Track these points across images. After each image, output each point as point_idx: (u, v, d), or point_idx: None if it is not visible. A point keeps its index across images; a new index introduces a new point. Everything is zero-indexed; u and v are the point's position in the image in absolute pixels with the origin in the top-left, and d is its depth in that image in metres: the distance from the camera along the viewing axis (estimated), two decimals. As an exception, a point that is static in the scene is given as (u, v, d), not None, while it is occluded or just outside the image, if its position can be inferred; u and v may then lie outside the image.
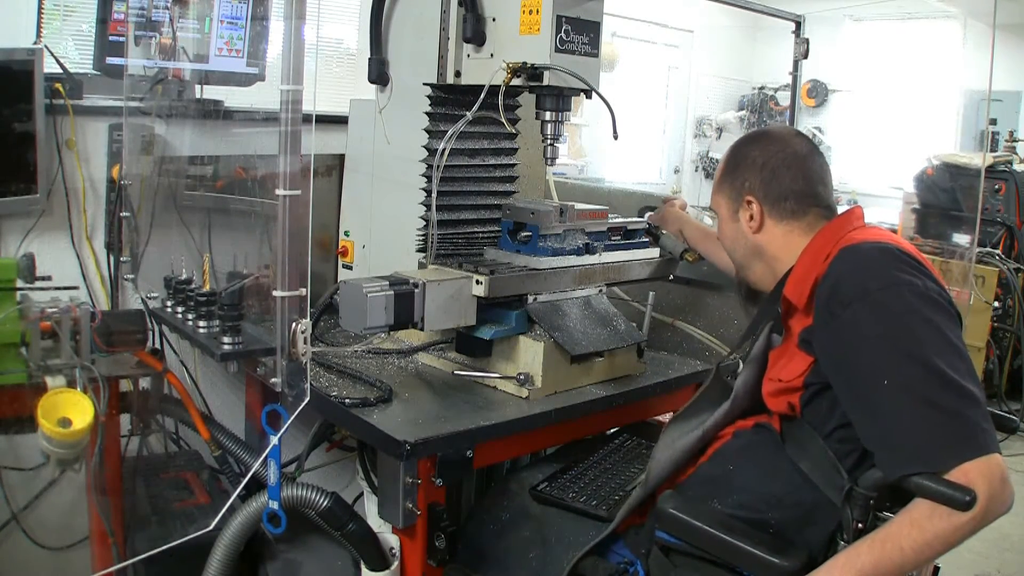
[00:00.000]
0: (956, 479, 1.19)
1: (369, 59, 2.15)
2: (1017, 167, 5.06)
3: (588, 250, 1.95)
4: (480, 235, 2.03)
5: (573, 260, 1.92)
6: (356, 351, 2.02)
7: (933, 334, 1.29)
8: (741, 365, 1.62)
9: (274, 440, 1.44)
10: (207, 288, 1.97)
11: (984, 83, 6.99)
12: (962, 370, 1.26)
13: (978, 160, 4.98)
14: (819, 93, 7.92)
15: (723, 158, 1.69)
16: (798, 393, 1.45)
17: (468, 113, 1.85)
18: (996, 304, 4.64)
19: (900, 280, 1.34)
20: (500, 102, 1.80)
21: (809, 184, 1.58)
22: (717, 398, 1.62)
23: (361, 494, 1.98)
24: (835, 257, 1.42)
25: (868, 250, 1.41)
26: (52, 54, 2.25)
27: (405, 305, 1.67)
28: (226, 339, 1.82)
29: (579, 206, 1.96)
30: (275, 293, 1.37)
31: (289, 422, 1.42)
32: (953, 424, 1.23)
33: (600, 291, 2.00)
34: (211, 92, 2.49)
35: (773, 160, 1.59)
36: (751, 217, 1.60)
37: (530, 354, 1.82)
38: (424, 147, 1.93)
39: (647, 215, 2.22)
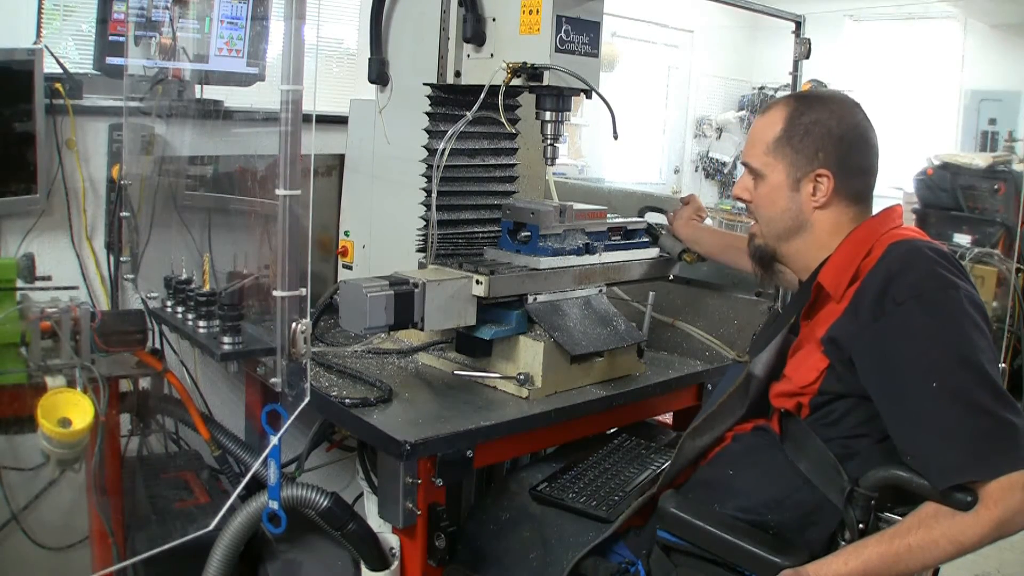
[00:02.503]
0: (1001, 487, 1.18)
1: (369, 59, 2.15)
2: (1016, 167, 5.06)
3: (588, 250, 1.95)
4: (480, 235, 2.03)
5: (573, 260, 1.92)
6: (356, 351, 2.02)
7: (985, 341, 1.27)
8: (747, 367, 1.58)
9: (274, 440, 1.44)
10: (207, 288, 1.97)
11: (983, 83, 7.01)
12: (1000, 380, 1.25)
13: (979, 160, 4.98)
14: (819, 93, 7.91)
15: (780, 116, 1.51)
16: (809, 396, 1.43)
17: (468, 113, 1.85)
18: (995, 304, 4.64)
19: (955, 283, 1.31)
20: (500, 102, 1.80)
21: (874, 164, 1.51)
22: (738, 404, 1.58)
23: (361, 494, 1.98)
24: (885, 253, 1.38)
25: (922, 249, 1.37)
26: (52, 54, 2.25)
27: (405, 305, 1.67)
28: (226, 339, 1.82)
29: (577, 206, 1.95)
30: (275, 293, 1.37)
31: (289, 422, 1.42)
32: (1004, 432, 1.22)
33: (600, 291, 2.00)
34: (211, 92, 2.49)
35: (849, 133, 1.48)
36: (814, 192, 1.49)
37: (530, 354, 1.81)
38: (424, 147, 1.93)
39: (667, 216, 2.14)
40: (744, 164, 1.58)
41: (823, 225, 1.51)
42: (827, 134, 1.48)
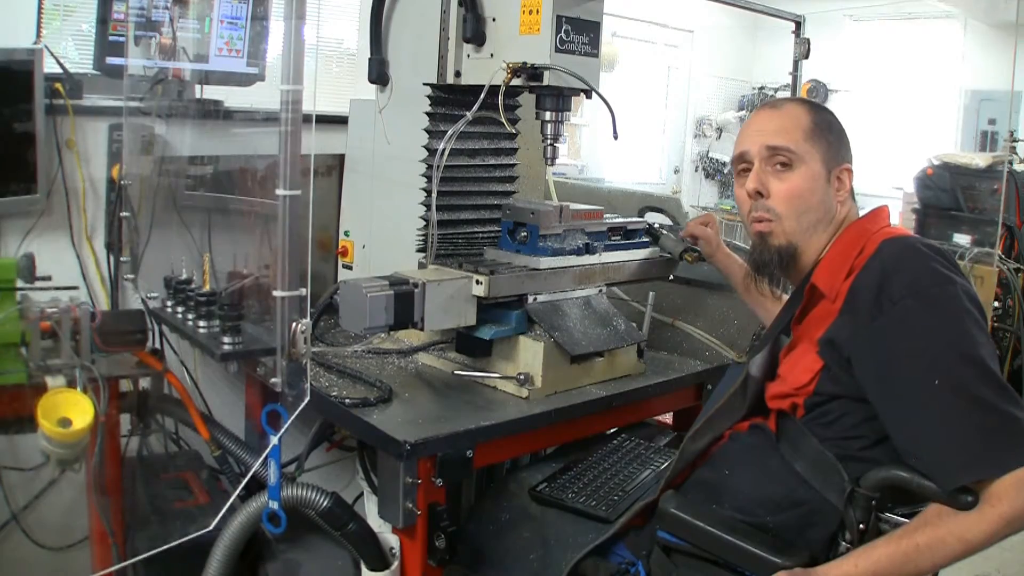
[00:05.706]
0: (1008, 484, 1.17)
1: (369, 59, 2.15)
2: (1017, 167, 5.06)
3: (588, 250, 1.95)
4: (480, 235, 2.03)
5: (573, 260, 1.92)
6: (356, 351, 2.02)
7: (984, 336, 1.27)
8: (746, 368, 1.59)
9: (274, 440, 1.44)
10: (207, 288, 1.97)
11: (983, 83, 7.01)
12: (1001, 374, 1.25)
13: (979, 160, 4.99)
14: (819, 93, 7.93)
15: (801, 110, 1.52)
16: (804, 397, 1.43)
17: (468, 113, 1.85)
18: (996, 304, 4.64)
19: (952, 279, 1.31)
20: (500, 102, 1.80)
21: None
22: (738, 405, 1.57)
23: (361, 494, 1.98)
24: (878, 250, 1.37)
25: (916, 245, 1.36)
26: (52, 54, 2.25)
27: (405, 305, 1.67)
28: (226, 339, 1.82)
29: (573, 206, 1.95)
30: (275, 293, 1.37)
31: (289, 422, 1.42)
32: (1009, 428, 1.21)
33: (600, 291, 2.00)
34: (211, 92, 2.49)
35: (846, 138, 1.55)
36: (839, 189, 1.52)
37: (530, 354, 1.81)
38: (424, 147, 1.93)
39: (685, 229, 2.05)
40: (774, 148, 1.50)
41: (838, 221, 1.53)
42: (844, 135, 1.52)
